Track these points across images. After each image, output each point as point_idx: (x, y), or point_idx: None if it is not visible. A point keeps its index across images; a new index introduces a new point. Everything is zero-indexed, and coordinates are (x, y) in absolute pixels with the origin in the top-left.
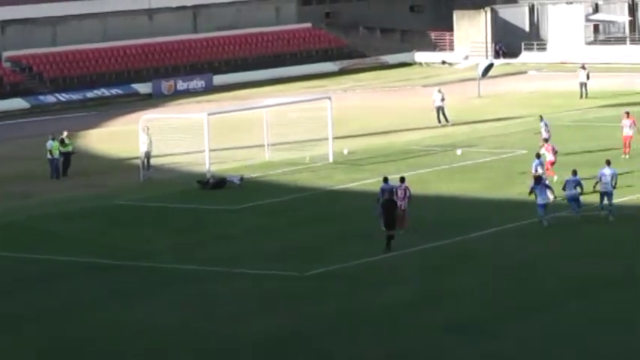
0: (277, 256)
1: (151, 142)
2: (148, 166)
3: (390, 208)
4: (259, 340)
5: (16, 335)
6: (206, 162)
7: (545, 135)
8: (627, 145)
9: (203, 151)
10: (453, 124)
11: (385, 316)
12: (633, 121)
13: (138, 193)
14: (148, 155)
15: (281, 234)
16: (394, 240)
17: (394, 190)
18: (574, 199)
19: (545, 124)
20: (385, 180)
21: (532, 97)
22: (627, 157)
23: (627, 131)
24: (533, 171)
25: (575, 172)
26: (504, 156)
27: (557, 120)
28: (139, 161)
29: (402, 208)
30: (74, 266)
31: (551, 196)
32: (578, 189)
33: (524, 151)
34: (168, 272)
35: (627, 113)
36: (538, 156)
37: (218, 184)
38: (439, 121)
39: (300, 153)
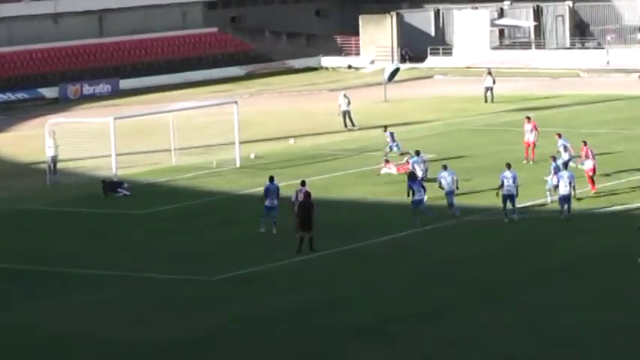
0: (183, 260)
1: (57, 146)
2: (54, 171)
3: (306, 209)
4: (163, 345)
5: None
6: (113, 166)
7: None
8: (531, 151)
9: (110, 156)
10: (359, 129)
11: (290, 319)
12: (534, 126)
13: (44, 197)
14: (54, 160)
15: (187, 239)
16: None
17: (278, 189)
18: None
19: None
20: (271, 179)
21: (438, 102)
22: (531, 162)
23: (529, 137)
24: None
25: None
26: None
27: (462, 125)
28: (45, 166)
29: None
30: None
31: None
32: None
33: (431, 155)
34: (70, 276)
35: (528, 118)
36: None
37: (112, 186)
38: (345, 126)
39: (207, 157)
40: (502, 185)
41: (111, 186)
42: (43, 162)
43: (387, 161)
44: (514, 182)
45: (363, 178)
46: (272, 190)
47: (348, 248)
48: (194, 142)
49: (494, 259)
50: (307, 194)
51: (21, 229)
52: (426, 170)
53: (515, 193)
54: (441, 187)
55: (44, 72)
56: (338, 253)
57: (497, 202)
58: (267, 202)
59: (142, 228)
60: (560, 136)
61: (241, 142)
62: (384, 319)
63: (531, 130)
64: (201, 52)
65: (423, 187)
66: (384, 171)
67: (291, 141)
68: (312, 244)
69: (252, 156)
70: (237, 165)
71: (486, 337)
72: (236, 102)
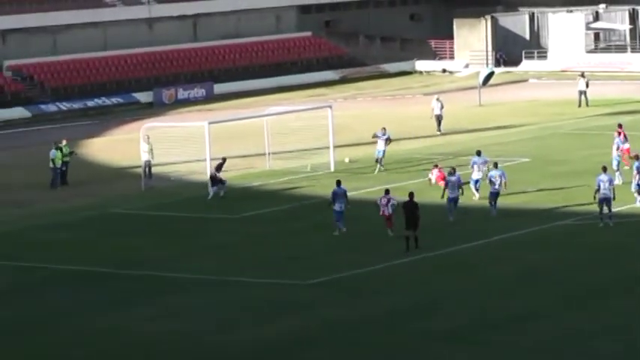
0: (278, 264)
1: (152, 150)
2: (149, 175)
3: (411, 208)
4: (256, 348)
5: (16, 339)
6: (207, 171)
7: None
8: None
9: (204, 160)
10: (443, 134)
11: (380, 324)
12: (624, 135)
13: (138, 201)
14: (148, 164)
15: (282, 242)
16: (411, 241)
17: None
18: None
19: None
20: (338, 183)
21: (532, 106)
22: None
23: (620, 145)
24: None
25: (453, 170)
26: (506, 164)
27: (556, 129)
28: (140, 170)
29: (386, 213)
30: (70, 275)
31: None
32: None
33: (525, 159)
34: (166, 280)
35: (620, 125)
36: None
37: (214, 181)
38: (439, 130)
39: (302, 162)
40: (599, 189)
41: (214, 180)
42: (138, 166)
43: (436, 166)
44: (610, 185)
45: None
46: (339, 194)
47: (442, 252)
48: (288, 146)
49: (584, 264)
50: (411, 194)
51: (117, 232)
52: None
53: (611, 196)
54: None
55: (139, 77)
56: (432, 257)
57: (594, 206)
58: (336, 207)
59: (237, 232)
60: None
61: (335, 147)
62: (477, 324)
63: (622, 140)
64: (295, 57)
65: (461, 187)
66: (429, 176)
67: (347, 160)
68: (417, 242)
69: (347, 160)
70: (332, 169)
71: (574, 343)
72: (330, 106)
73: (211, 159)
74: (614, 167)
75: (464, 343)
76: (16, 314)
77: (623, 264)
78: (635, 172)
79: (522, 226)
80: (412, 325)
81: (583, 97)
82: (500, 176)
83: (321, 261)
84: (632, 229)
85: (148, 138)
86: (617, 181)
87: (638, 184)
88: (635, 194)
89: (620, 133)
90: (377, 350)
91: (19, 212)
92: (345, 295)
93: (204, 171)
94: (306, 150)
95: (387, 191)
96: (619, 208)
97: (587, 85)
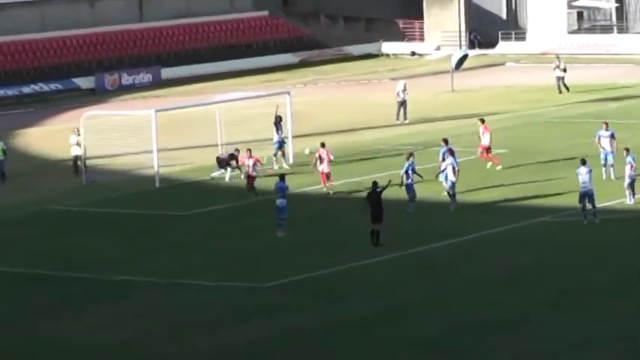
0: (235, 265)
1: (81, 144)
2: (80, 170)
3: (375, 199)
4: (205, 358)
5: None
6: (154, 163)
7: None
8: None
9: (151, 152)
10: (410, 123)
11: (348, 330)
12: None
13: (80, 197)
14: (79, 159)
15: (234, 242)
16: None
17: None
18: None
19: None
20: (282, 178)
21: (510, 92)
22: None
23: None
24: None
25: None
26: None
27: (535, 117)
28: (80, 164)
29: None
30: (5, 277)
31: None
32: None
33: (502, 150)
34: (112, 284)
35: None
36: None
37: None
38: (397, 118)
39: (257, 154)
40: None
41: (221, 162)
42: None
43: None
44: (590, 179)
45: (425, 175)
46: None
47: (411, 252)
48: (242, 136)
49: (568, 265)
50: (374, 184)
51: (56, 231)
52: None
53: (592, 189)
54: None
55: (79, 60)
56: (399, 257)
57: (576, 202)
58: (278, 202)
59: (189, 230)
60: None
61: (294, 137)
62: (449, 331)
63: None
64: (251, 39)
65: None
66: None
67: (307, 151)
68: (379, 237)
69: (307, 152)
70: (291, 162)
71: (559, 351)
72: (289, 92)
73: (158, 150)
74: (602, 162)
75: (436, 351)
76: None
77: (611, 265)
78: (628, 166)
79: (499, 223)
80: (381, 332)
81: (561, 82)
82: (451, 165)
83: (281, 261)
84: (621, 226)
85: (78, 130)
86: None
87: (630, 179)
88: (627, 190)
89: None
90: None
91: None
92: (309, 299)
93: (151, 164)
94: (262, 140)
95: (322, 144)
96: (607, 203)
97: (564, 70)
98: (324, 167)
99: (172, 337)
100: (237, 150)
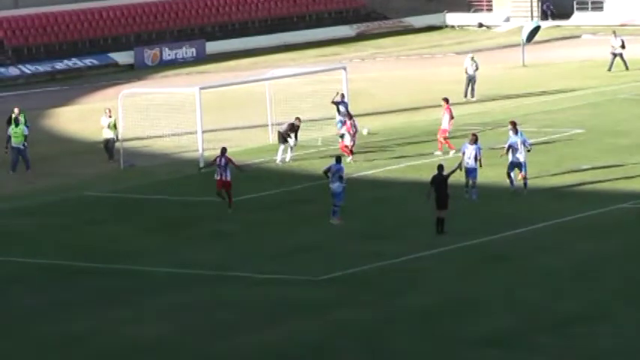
0: (284, 257)
1: (115, 126)
2: (110, 155)
3: (440, 183)
4: (250, 355)
5: None
6: (199, 146)
7: None
8: None
9: (195, 133)
10: (477, 101)
11: (407, 326)
12: None
13: (117, 183)
14: (110, 143)
15: (284, 231)
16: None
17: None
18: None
19: None
20: (338, 159)
21: (586, 67)
22: None
23: None
24: None
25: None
26: (555, 136)
27: (615, 94)
28: (118, 145)
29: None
30: (37, 269)
31: None
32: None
33: (578, 131)
34: (147, 276)
35: None
36: None
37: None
38: (465, 95)
39: (311, 134)
40: None
41: (283, 137)
42: (118, 140)
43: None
44: None
45: (493, 158)
46: (334, 171)
47: (476, 242)
48: (295, 116)
49: None
50: (440, 167)
51: (91, 219)
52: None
53: None
54: None
55: (117, 34)
56: (463, 247)
57: None
58: (333, 187)
59: (235, 218)
60: None
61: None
62: (517, 327)
63: None
64: (303, 10)
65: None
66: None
67: (365, 131)
68: (443, 226)
69: (365, 132)
70: (347, 142)
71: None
72: (344, 68)
73: (203, 131)
74: None
75: (503, 349)
76: None
77: None
78: None
79: (574, 210)
80: (444, 329)
81: (620, 59)
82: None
83: (335, 252)
84: None
85: (109, 111)
86: None
87: None
88: None
89: None
90: (402, 358)
91: None
92: (365, 292)
93: (194, 146)
94: (316, 120)
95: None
96: None
97: (622, 46)
98: (345, 140)
99: (216, 333)
100: (298, 119)
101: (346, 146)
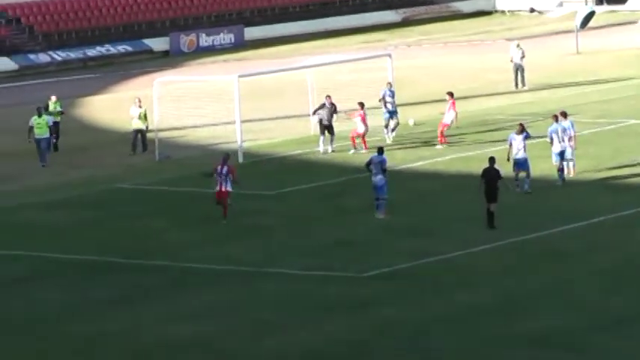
0: (327, 252)
1: (145, 116)
2: (143, 148)
3: (492, 176)
4: (292, 356)
5: None
6: (237, 136)
7: None
8: None
9: (233, 123)
10: (530, 90)
11: (454, 325)
12: None
13: (152, 175)
14: (139, 134)
15: (326, 225)
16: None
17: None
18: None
19: None
20: (380, 151)
21: None
22: None
23: None
24: None
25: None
26: (610, 127)
27: None
28: (153, 136)
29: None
30: (68, 265)
31: None
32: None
33: (634, 121)
34: (183, 272)
35: None
36: None
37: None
38: (516, 85)
39: (352, 125)
40: None
41: (324, 127)
42: (150, 131)
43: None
44: None
45: (546, 150)
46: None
47: (528, 238)
48: (337, 105)
49: None
50: (492, 160)
51: (125, 213)
52: None
53: None
54: None
55: (151, 19)
56: (514, 243)
57: None
58: (375, 180)
59: (275, 211)
60: None
61: (397, 105)
62: (568, 326)
63: None
64: None
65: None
66: None
67: (410, 122)
68: (493, 219)
69: (411, 122)
70: (393, 134)
71: None
72: (390, 55)
73: (241, 121)
74: None
75: (552, 349)
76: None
77: None
78: None
79: (632, 204)
80: (493, 328)
81: None
82: (568, 129)
83: (381, 247)
84: None
85: (139, 101)
86: None
87: None
88: None
89: None
90: (450, 358)
91: (2, 188)
92: (411, 290)
93: (233, 137)
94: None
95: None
96: None
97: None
98: (357, 128)
99: (257, 332)
100: (329, 97)
101: (360, 135)
